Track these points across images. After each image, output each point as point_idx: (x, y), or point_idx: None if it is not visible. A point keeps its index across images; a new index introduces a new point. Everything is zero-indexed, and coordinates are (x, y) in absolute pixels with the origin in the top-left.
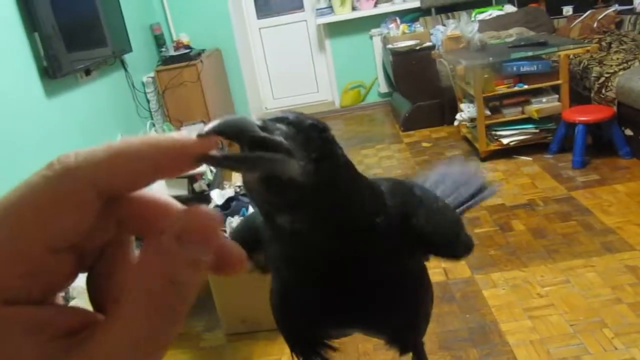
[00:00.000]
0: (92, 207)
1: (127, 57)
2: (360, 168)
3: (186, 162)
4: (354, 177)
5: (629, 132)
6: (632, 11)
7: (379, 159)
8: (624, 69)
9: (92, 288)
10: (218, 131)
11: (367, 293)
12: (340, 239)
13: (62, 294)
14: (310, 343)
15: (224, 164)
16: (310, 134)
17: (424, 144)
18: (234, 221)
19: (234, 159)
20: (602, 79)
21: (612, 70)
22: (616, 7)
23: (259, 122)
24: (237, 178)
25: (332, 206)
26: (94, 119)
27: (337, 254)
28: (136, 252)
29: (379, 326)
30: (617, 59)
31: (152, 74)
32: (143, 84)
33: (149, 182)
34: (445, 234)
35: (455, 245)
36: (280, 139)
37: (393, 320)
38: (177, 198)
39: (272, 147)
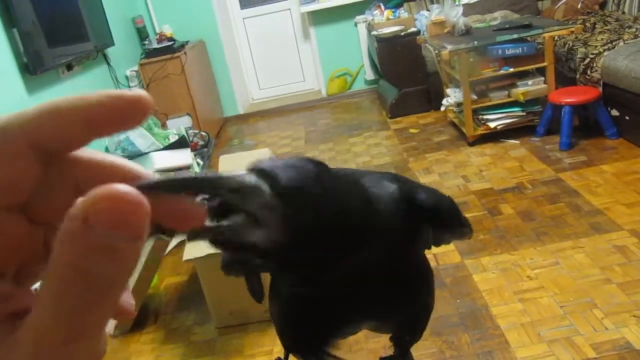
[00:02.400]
0: (28, 161)
1: (109, 51)
2: (348, 156)
3: (120, 118)
4: (343, 199)
5: (615, 112)
6: None
7: (367, 147)
8: (609, 49)
9: None
10: (180, 187)
11: (378, 289)
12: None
13: (33, 285)
14: (314, 346)
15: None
16: (297, 210)
17: (412, 130)
18: None
19: (200, 234)
20: (587, 59)
21: (596, 51)
22: None
23: (233, 184)
24: (223, 170)
25: (312, 245)
26: None
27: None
28: None
29: (388, 320)
30: (602, 39)
31: (135, 68)
32: (127, 77)
33: (85, 139)
34: (449, 207)
35: (462, 218)
36: (253, 210)
37: (402, 311)
38: None
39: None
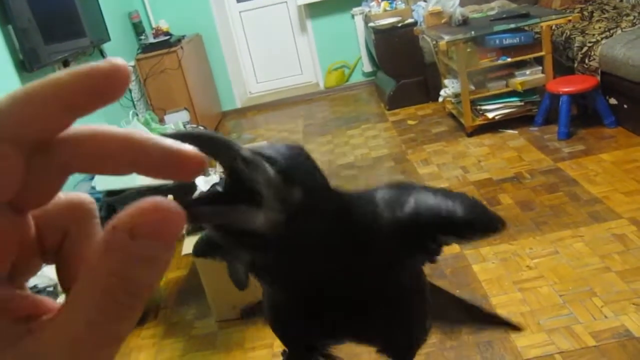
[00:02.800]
0: (12, 159)
1: (106, 47)
2: (346, 149)
3: (98, 94)
4: (336, 214)
5: (613, 101)
6: None
7: (365, 139)
8: (607, 37)
9: (59, 269)
10: (198, 140)
11: (360, 307)
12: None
13: (28, 281)
14: (308, 348)
15: (193, 214)
16: (292, 189)
17: (410, 122)
18: None
19: (204, 212)
20: (585, 48)
21: (594, 40)
22: None
23: (246, 153)
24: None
25: (304, 250)
26: None
27: (323, 281)
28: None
29: (371, 338)
30: (599, 27)
31: (132, 63)
32: None
33: (66, 122)
34: (461, 200)
35: (481, 210)
36: (258, 184)
37: (385, 331)
38: (162, 187)
39: (248, 186)
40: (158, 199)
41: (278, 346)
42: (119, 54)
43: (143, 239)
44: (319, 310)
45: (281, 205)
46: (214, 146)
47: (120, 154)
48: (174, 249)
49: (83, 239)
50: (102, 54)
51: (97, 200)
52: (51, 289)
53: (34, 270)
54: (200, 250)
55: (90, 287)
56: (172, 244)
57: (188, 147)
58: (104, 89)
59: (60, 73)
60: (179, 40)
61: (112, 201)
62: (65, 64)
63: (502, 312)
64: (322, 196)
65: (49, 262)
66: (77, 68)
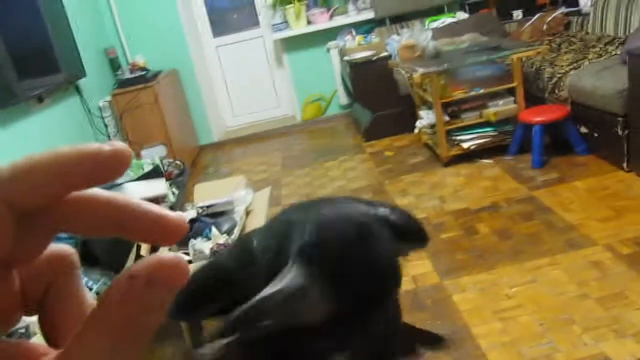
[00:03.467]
0: (6, 224)
1: (81, 83)
2: (324, 181)
3: (98, 175)
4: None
5: (584, 129)
6: (579, 13)
7: (343, 171)
8: (575, 68)
9: (42, 321)
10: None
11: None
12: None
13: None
14: None
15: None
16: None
17: (387, 153)
18: (197, 243)
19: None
20: (555, 79)
21: (563, 71)
22: (563, 9)
23: (279, 301)
24: (198, 200)
25: None
26: (50, 147)
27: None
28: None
29: None
30: (568, 59)
31: (108, 98)
32: (100, 108)
33: (62, 195)
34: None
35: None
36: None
37: None
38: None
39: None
40: (169, 252)
41: None
42: (95, 90)
43: (160, 289)
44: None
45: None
46: (244, 325)
47: (109, 218)
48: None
49: (67, 291)
50: (78, 90)
51: (73, 237)
52: (23, 330)
53: (15, 323)
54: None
55: (100, 333)
56: (179, 289)
57: (171, 213)
58: (106, 171)
59: (66, 149)
60: (155, 76)
61: (86, 238)
62: (40, 100)
63: (483, 343)
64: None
65: (31, 315)
66: (84, 148)
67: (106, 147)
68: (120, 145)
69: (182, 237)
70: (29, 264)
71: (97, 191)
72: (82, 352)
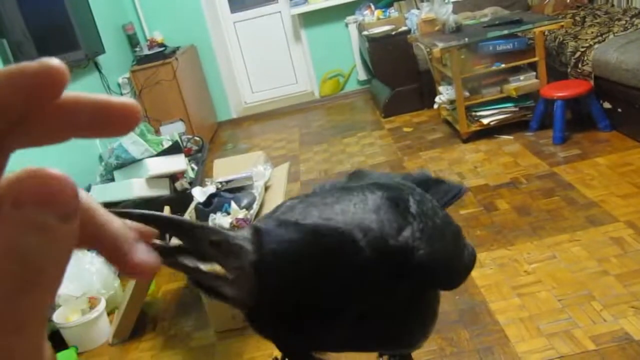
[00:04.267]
0: None
1: (100, 59)
2: (342, 157)
3: (32, 97)
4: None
5: (607, 105)
6: None
7: (361, 147)
8: (599, 42)
9: None
10: (161, 223)
11: (354, 325)
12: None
13: None
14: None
15: (166, 262)
16: (265, 279)
17: (406, 129)
18: (217, 218)
19: (177, 264)
20: (578, 53)
21: (587, 44)
22: None
23: (218, 237)
24: (217, 175)
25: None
26: None
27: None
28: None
29: (368, 349)
30: (592, 32)
31: (127, 75)
32: (119, 85)
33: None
34: (448, 264)
35: (456, 274)
36: (229, 269)
37: (381, 344)
38: (160, 198)
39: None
40: (38, 168)
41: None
42: (113, 66)
43: (28, 207)
44: (314, 321)
45: (250, 292)
46: (178, 230)
47: (56, 118)
48: (72, 220)
49: None
50: (97, 66)
51: None
52: None
53: None
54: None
55: None
56: (63, 212)
57: (118, 98)
58: (34, 90)
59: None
60: (173, 52)
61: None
62: None
63: (501, 318)
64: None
65: None
66: (9, 67)
67: (33, 62)
68: (51, 59)
69: (133, 123)
70: None
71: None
72: None
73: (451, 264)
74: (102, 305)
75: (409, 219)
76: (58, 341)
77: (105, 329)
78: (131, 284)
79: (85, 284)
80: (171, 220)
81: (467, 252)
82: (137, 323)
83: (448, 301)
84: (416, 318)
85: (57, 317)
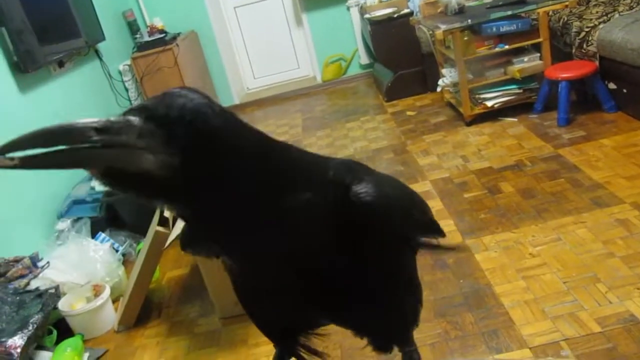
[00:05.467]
0: None
1: (101, 46)
2: (345, 141)
3: None
4: (260, 154)
5: (612, 85)
6: None
7: (364, 131)
8: (604, 22)
9: None
10: (34, 141)
11: (325, 282)
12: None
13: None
14: (286, 333)
15: (21, 167)
16: (173, 128)
17: (409, 113)
18: None
19: (29, 162)
20: (583, 33)
21: (592, 24)
22: None
23: (95, 124)
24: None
25: (223, 191)
26: (72, 111)
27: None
28: None
29: (344, 318)
30: (597, 12)
31: (128, 62)
32: (120, 72)
33: None
34: (391, 205)
35: (403, 221)
36: (127, 142)
37: (356, 313)
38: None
39: (116, 145)
40: None
41: None
42: (114, 53)
43: None
44: (290, 288)
45: (167, 147)
46: (52, 138)
47: None
48: None
49: None
50: (98, 54)
51: (97, 200)
52: (53, 290)
53: None
54: (184, 243)
55: None
56: None
57: None
58: None
59: None
60: (174, 38)
61: (112, 201)
62: (61, 64)
63: (506, 301)
64: (225, 135)
65: None
66: None
67: None
68: None
69: None
70: None
71: None
72: None
73: (397, 203)
74: (106, 293)
75: (359, 168)
76: (64, 329)
77: (110, 316)
78: (135, 271)
79: (90, 272)
80: (41, 135)
81: (421, 215)
82: (142, 310)
83: (452, 285)
84: (389, 280)
85: (63, 305)
